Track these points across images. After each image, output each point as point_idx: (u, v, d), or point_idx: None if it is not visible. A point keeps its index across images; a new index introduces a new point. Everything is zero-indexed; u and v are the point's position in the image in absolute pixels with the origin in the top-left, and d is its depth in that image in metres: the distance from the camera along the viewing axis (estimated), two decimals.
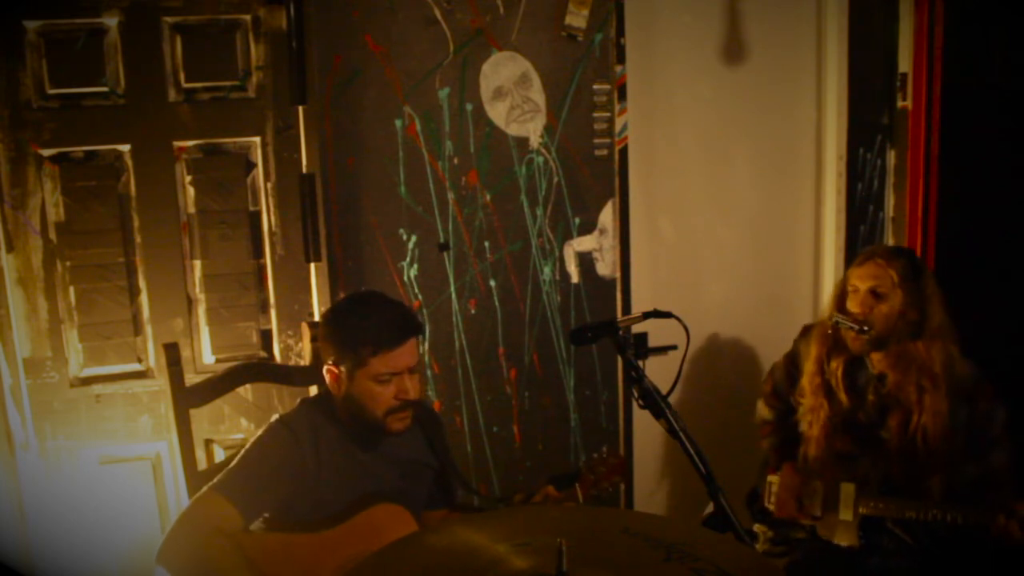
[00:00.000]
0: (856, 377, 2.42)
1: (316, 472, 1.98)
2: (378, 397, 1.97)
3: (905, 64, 3.26)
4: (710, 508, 1.76)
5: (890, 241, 3.37)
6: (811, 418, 2.45)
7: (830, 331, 2.40)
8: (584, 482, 2.10)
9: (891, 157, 3.34)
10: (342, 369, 1.99)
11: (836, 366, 2.42)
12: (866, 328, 2.31)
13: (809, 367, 2.47)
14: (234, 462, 1.96)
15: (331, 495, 1.99)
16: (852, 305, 2.35)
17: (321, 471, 1.98)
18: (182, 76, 2.49)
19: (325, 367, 2.02)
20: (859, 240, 3.34)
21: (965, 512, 2.23)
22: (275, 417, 2.04)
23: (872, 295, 2.33)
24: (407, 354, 1.98)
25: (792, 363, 2.59)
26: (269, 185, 2.58)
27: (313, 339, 2.40)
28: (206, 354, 2.61)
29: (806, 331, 2.57)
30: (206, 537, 1.83)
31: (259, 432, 2.01)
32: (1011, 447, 2.37)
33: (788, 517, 2.49)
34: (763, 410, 2.70)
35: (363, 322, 1.98)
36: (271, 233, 2.60)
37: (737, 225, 3.30)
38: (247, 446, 1.99)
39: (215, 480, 1.92)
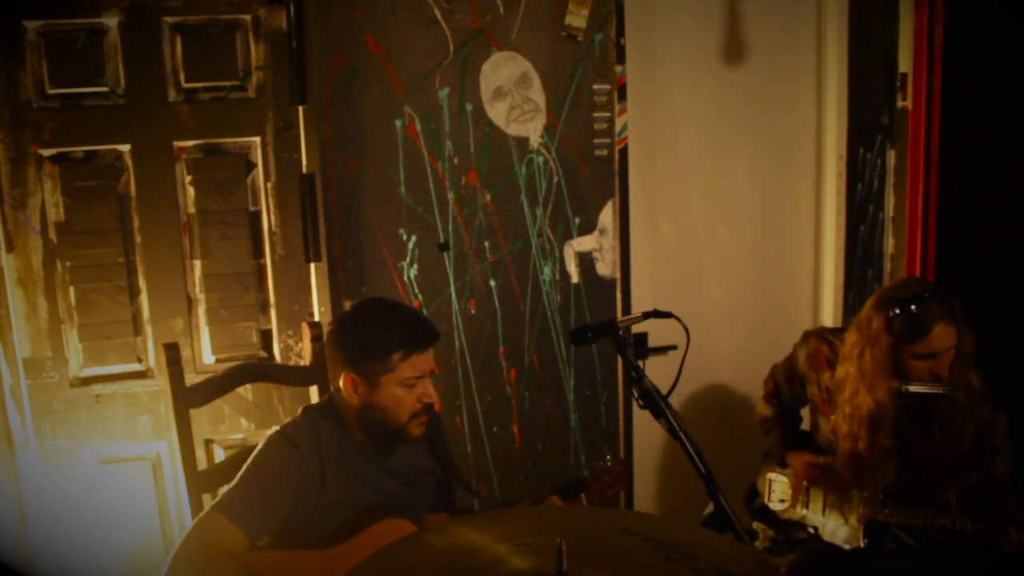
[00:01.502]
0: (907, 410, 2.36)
1: (320, 483, 1.94)
2: (403, 402, 1.96)
3: (905, 64, 3.26)
4: (710, 508, 1.76)
5: (890, 241, 3.37)
6: (844, 443, 2.38)
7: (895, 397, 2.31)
8: (589, 491, 2.10)
9: (891, 157, 3.34)
10: (364, 377, 1.96)
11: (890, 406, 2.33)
12: (947, 389, 2.25)
13: (863, 400, 2.34)
14: (236, 480, 1.91)
15: (337, 506, 1.95)
16: (923, 371, 2.26)
17: (326, 482, 1.95)
18: (182, 76, 2.49)
19: (343, 375, 1.97)
20: (859, 240, 3.34)
21: (976, 523, 2.22)
22: (275, 429, 1.99)
23: (947, 354, 2.25)
24: (431, 357, 1.99)
25: (792, 368, 2.58)
26: (269, 185, 2.58)
27: (313, 339, 2.40)
28: (206, 354, 2.61)
29: (806, 337, 2.55)
30: (211, 560, 1.79)
31: (259, 446, 1.97)
32: (1012, 454, 2.36)
33: (813, 487, 2.48)
34: (764, 409, 2.70)
35: (389, 328, 1.96)
36: (271, 233, 2.60)
37: (737, 225, 3.30)
38: (248, 462, 1.94)
39: (217, 500, 1.88)
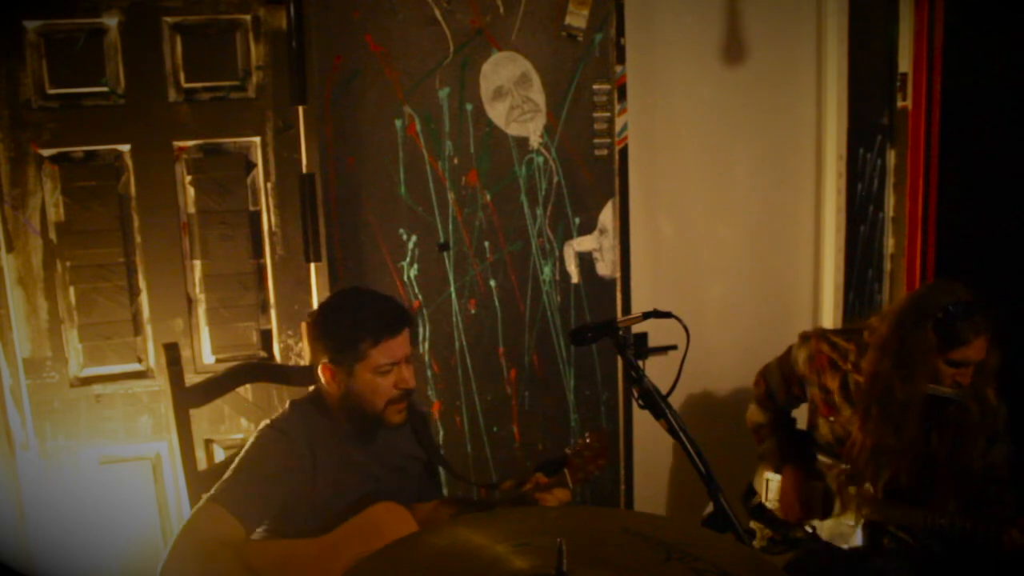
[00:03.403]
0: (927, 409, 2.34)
1: (313, 473, 1.97)
2: (379, 389, 1.99)
3: (905, 64, 3.26)
4: (710, 508, 1.76)
5: (890, 241, 3.37)
6: (870, 435, 2.36)
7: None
8: (572, 467, 2.11)
9: (891, 157, 3.34)
10: (339, 365, 1.99)
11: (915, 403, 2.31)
12: (959, 395, 2.26)
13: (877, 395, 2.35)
14: (229, 471, 1.94)
15: (328, 495, 1.98)
16: (947, 376, 2.25)
17: (317, 472, 1.98)
18: (182, 76, 2.49)
19: (320, 365, 2.02)
20: (859, 240, 3.34)
21: (975, 523, 2.23)
22: (265, 422, 2.02)
23: (975, 365, 2.26)
24: (404, 343, 2.01)
25: (789, 370, 2.57)
26: (269, 185, 2.58)
27: None
28: (206, 354, 2.61)
29: (805, 338, 2.54)
30: (209, 551, 1.81)
31: (251, 438, 2.00)
32: (1011, 442, 2.37)
33: (794, 520, 2.49)
34: (757, 414, 2.68)
35: (359, 316, 2.00)
36: (271, 233, 2.60)
37: (737, 225, 3.30)
38: (241, 454, 1.97)
39: (212, 491, 1.90)
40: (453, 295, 2.81)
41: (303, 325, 2.55)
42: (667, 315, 1.98)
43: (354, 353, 1.98)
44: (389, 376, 1.99)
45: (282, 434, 1.98)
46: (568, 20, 2.79)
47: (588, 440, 2.12)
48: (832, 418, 2.45)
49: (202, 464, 2.31)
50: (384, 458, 2.10)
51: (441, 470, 2.26)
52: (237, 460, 1.96)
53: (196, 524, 1.86)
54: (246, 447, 1.98)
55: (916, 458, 2.35)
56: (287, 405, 2.09)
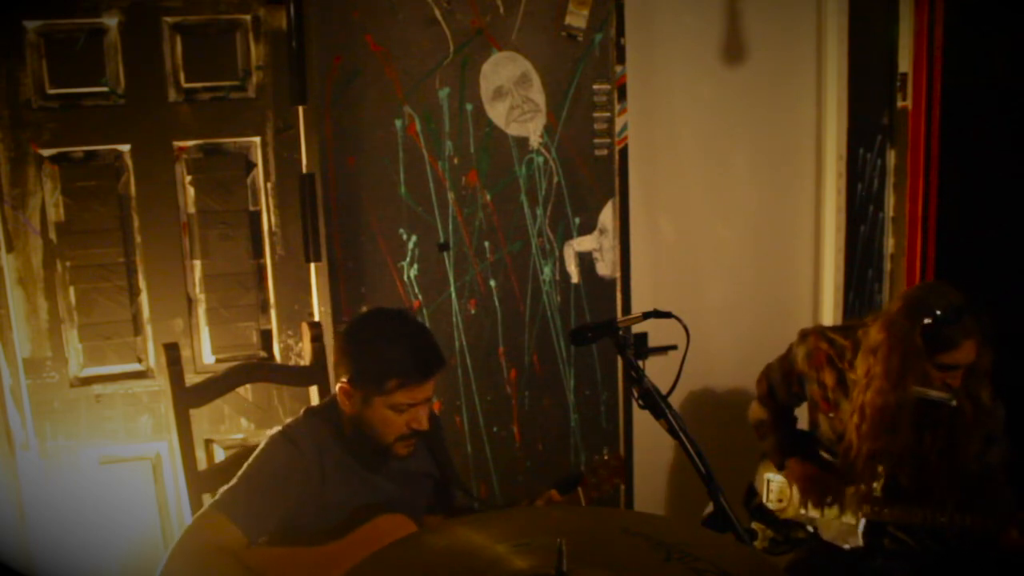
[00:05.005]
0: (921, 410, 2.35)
1: (320, 484, 1.95)
2: (391, 424, 1.94)
3: (905, 64, 3.26)
4: (710, 508, 1.76)
5: (890, 241, 3.37)
6: (863, 440, 2.36)
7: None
8: (586, 485, 2.10)
9: (891, 157, 3.34)
10: (358, 390, 1.95)
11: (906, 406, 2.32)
12: (951, 398, 2.25)
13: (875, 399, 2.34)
14: (236, 478, 1.91)
15: (335, 506, 1.96)
16: (937, 378, 2.25)
17: (326, 483, 1.95)
18: (182, 76, 2.49)
19: (339, 383, 1.97)
20: (859, 240, 3.34)
21: (973, 520, 2.23)
22: (276, 429, 1.99)
23: (966, 366, 2.26)
24: (430, 388, 1.96)
25: (789, 367, 2.57)
26: (269, 185, 2.59)
27: (313, 339, 2.40)
28: (206, 354, 2.61)
29: (804, 336, 2.54)
30: (208, 555, 1.80)
31: (260, 446, 1.97)
32: (1008, 444, 2.37)
33: (819, 506, 2.48)
34: (758, 411, 2.68)
35: (393, 351, 1.93)
36: (271, 233, 2.60)
37: (737, 225, 3.30)
38: (249, 461, 1.94)
39: (217, 497, 1.88)
40: (453, 295, 2.81)
41: (303, 325, 2.55)
42: (667, 315, 1.98)
43: (377, 386, 1.92)
44: (404, 415, 1.94)
45: (292, 443, 1.94)
46: (568, 20, 2.78)
47: (606, 458, 2.11)
48: (832, 414, 2.46)
49: (202, 464, 2.31)
50: (394, 473, 2.06)
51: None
52: (244, 467, 1.93)
53: (197, 530, 1.85)
54: (255, 454, 1.96)
55: (912, 459, 2.35)
56: (301, 412, 2.05)
